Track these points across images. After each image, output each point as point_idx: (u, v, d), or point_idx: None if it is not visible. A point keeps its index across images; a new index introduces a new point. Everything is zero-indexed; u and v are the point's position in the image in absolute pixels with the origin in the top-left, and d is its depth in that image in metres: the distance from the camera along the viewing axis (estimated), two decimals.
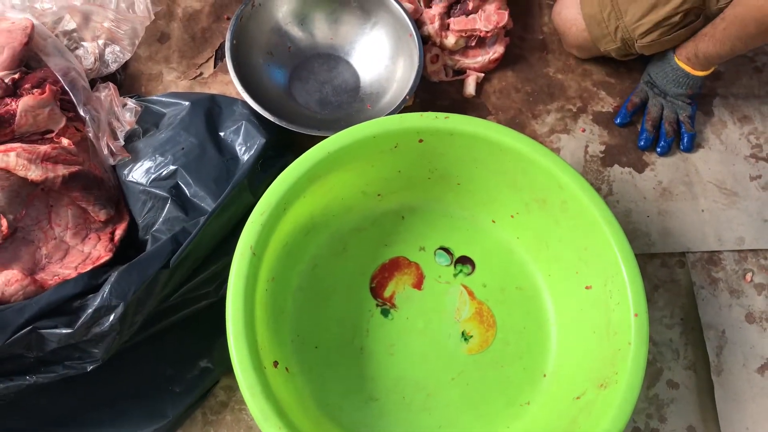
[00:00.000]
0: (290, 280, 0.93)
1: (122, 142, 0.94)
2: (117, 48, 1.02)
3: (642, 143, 1.12)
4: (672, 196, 1.10)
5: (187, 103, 0.96)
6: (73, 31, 1.01)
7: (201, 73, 1.10)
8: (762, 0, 0.90)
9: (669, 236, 1.06)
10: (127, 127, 0.97)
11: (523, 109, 1.15)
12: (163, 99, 0.99)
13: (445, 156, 0.94)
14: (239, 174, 0.90)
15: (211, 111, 0.97)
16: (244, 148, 0.94)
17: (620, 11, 1.04)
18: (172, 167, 0.91)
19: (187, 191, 0.90)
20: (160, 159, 0.91)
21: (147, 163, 0.91)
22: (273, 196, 0.82)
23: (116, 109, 0.97)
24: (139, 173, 0.92)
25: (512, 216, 0.98)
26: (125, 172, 0.92)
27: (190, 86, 1.09)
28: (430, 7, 1.15)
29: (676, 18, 1.01)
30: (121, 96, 0.98)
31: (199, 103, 0.97)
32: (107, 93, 0.97)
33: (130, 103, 0.98)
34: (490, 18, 1.12)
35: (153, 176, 0.91)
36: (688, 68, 1.08)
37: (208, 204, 0.89)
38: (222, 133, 0.96)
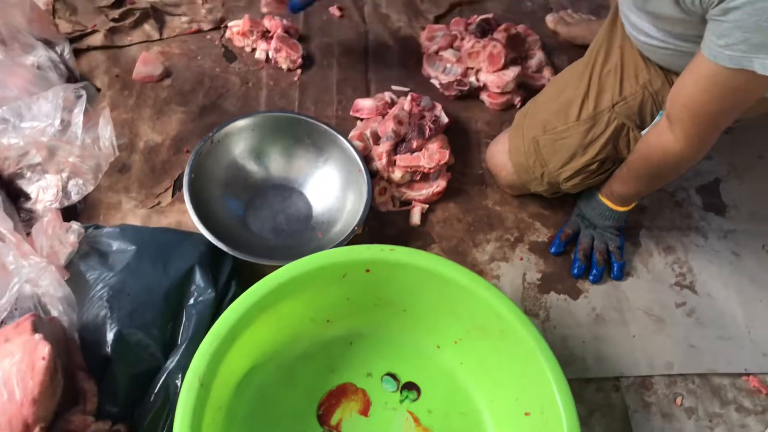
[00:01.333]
0: (238, 409, 0.94)
1: (62, 263, 0.97)
2: (80, 181, 1.07)
3: (575, 272, 1.20)
4: (605, 322, 1.16)
5: (133, 247, 0.98)
6: (38, 164, 1.06)
7: (159, 203, 1.15)
8: (646, 152, 1.03)
9: (603, 361, 1.12)
10: (69, 249, 0.99)
11: (464, 238, 1.22)
12: (115, 235, 1.01)
13: (391, 284, 0.99)
14: (190, 331, 0.93)
15: (159, 254, 0.99)
16: (192, 300, 0.97)
17: (544, 160, 1.15)
18: (116, 315, 0.92)
19: (129, 340, 0.92)
20: (104, 311, 0.92)
21: (92, 311, 0.93)
22: (222, 327, 0.85)
23: (59, 232, 1.00)
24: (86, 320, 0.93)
25: (456, 342, 1.02)
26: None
27: (147, 215, 1.13)
28: (378, 144, 1.24)
29: (594, 166, 1.12)
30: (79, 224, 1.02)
31: (149, 245, 0.99)
32: (50, 218, 1.01)
33: (75, 225, 1.01)
34: (433, 156, 1.22)
35: (98, 324, 0.92)
36: (610, 204, 1.18)
37: (154, 352, 0.91)
38: (170, 281, 0.97)
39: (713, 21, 0.81)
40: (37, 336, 0.78)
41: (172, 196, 1.17)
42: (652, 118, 1.09)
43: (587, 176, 1.14)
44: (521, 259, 1.22)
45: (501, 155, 1.23)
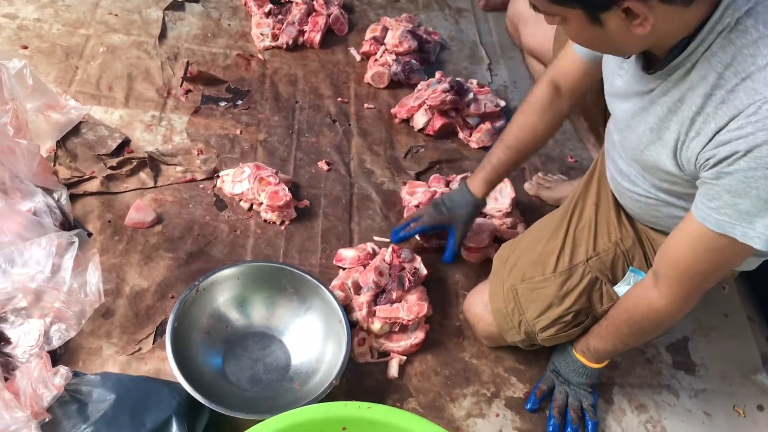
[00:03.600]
0: None
1: (46, 405, 0.96)
2: (63, 326, 1.08)
3: (550, 429, 1.21)
4: None
5: (112, 396, 0.99)
6: (23, 309, 1.08)
7: (140, 349, 1.16)
8: (630, 307, 1.07)
9: None
10: (55, 392, 0.99)
11: (441, 393, 1.23)
12: (95, 382, 1.02)
13: None
14: None
15: (138, 404, 0.99)
16: None
17: (522, 308, 1.19)
18: None
19: None
20: None
21: None
22: None
23: (45, 375, 1.01)
24: None
25: None
26: None
27: (127, 362, 1.14)
28: (359, 294, 1.28)
29: (569, 317, 1.16)
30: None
31: (128, 393, 1.00)
32: (37, 362, 1.01)
33: (62, 370, 1.02)
34: (412, 308, 1.25)
35: None
36: (584, 360, 1.21)
37: None
38: (145, 431, 0.97)
39: (705, 184, 0.86)
40: None
41: (153, 343, 1.18)
42: (623, 274, 1.15)
43: (562, 327, 1.18)
44: (497, 415, 1.22)
45: (479, 306, 1.27)
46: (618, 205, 1.17)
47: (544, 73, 1.22)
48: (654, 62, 0.89)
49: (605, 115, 1.35)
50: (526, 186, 1.63)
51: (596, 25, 0.79)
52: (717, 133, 0.81)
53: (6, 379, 1.02)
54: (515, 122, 1.27)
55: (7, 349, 1.07)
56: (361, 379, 1.22)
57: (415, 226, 1.37)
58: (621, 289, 1.13)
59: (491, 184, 1.33)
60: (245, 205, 1.43)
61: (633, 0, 0.74)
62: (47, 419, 0.96)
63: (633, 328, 1.08)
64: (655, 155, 0.93)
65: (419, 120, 1.70)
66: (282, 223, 1.42)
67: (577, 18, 0.79)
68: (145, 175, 1.42)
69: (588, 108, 1.47)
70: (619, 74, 0.98)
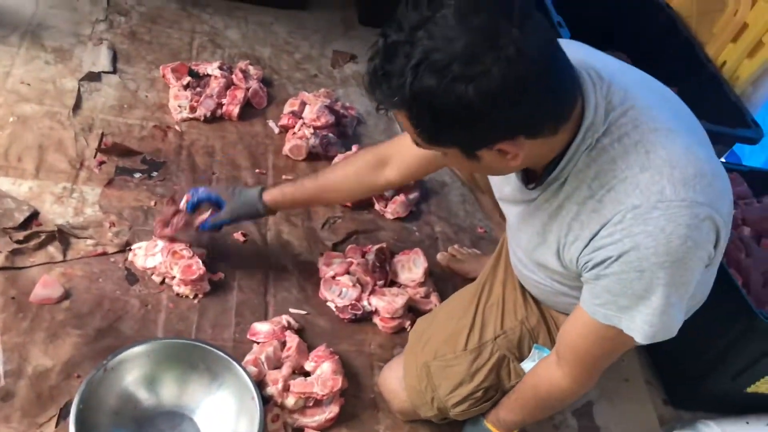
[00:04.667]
0: None
1: None
2: None
3: None
4: None
5: None
6: None
7: None
8: (536, 384, 1.12)
9: None
10: None
11: None
12: None
13: None
14: None
15: None
16: None
17: (434, 384, 1.22)
18: None
19: None
20: None
21: None
22: None
23: None
24: None
25: None
26: None
27: None
28: (273, 369, 1.28)
29: (479, 393, 1.20)
30: None
31: None
32: None
33: None
34: (326, 382, 1.26)
35: None
36: (495, 431, 1.24)
37: None
38: None
39: (588, 283, 0.94)
40: None
41: (56, 426, 1.13)
42: (529, 351, 1.20)
43: (473, 403, 1.21)
44: None
45: (394, 381, 1.29)
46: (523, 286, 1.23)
47: (375, 147, 1.31)
48: (532, 177, 0.98)
49: None
50: (439, 257, 1.69)
51: (473, 160, 0.86)
52: (591, 239, 0.90)
53: None
54: (334, 170, 1.36)
55: None
56: None
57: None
58: (527, 365, 1.19)
59: (280, 205, 1.39)
60: (157, 279, 1.41)
61: (503, 142, 0.81)
62: None
63: (539, 402, 1.14)
64: (542, 256, 1.02)
65: None
66: (195, 296, 1.41)
67: (455, 154, 0.86)
68: (53, 249, 1.39)
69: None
70: (506, 182, 1.06)
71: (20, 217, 1.41)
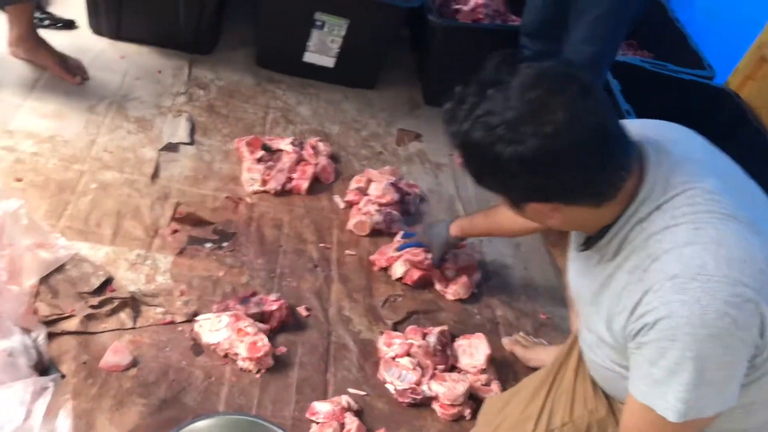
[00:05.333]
0: None
1: None
2: None
3: None
4: None
5: None
6: None
7: None
8: None
9: None
10: None
11: None
12: None
13: None
14: None
15: None
16: None
17: None
18: None
19: None
20: None
21: None
22: None
23: None
24: None
25: None
26: None
27: None
28: None
29: None
30: None
31: None
32: None
33: None
34: None
35: None
36: None
37: None
38: None
39: (632, 354, 0.93)
40: None
41: None
42: None
43: None
44: None
45: None
46: None
47: None
48: (589, 241, 1.02)
49: None
50: (504, 341, 1.67)
51: (518, 209, 0.95)
52: (635, 307, 0.91)
53: None
54: (494, 214, 1.51)
55: None
56: None
57: (408, 240, 1.77)
58: None
59: (466, 233, 1.65)
60: (221, 352, 1.43)
61: (538, 203, 0.91)
62: None
63: None
64: (595, 325, 1.03)
65: (397, 270, 1.75)
66: (258, 371, 1.42)
67: (504, 201, 0.96)
68: (125, 316, 1.42)
69: None
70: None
71: (96, 282, 1.46)
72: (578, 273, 1.10)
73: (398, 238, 1.81)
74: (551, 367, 1.28)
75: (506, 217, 1.41)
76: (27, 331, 1.24)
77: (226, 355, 1.42)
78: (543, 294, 1.85)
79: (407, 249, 1.75)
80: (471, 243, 1.91)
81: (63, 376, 1.27)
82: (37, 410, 1.09)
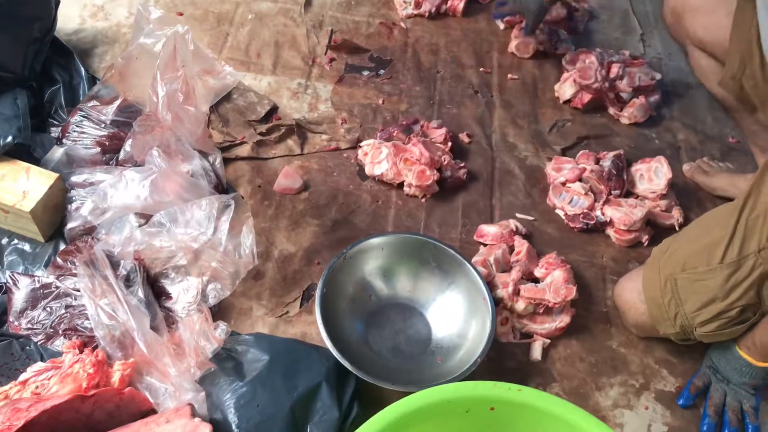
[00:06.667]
0: None
1: (210, 356, 1.01)
2: (218, 285, 1.12)
3: (704, 429, 1.13)
4: None
5: (266, 357, 1.03)
6: (183, 266, 1.13)
7: (287, 312, 1.19)
8: None
9: None
10: (216, 345, 1.04)
11: (587, 380, 1.18)
12: (250, 342, 1.06)
13: (515, 426, 0.96)
14: None
15: (290, 367, 1.02)
16: (317, 417, 0.99)
17: (680, 299, 1.11)
18: (243, 426, 0.95)
19: None
20: (233, 418, 0.96)
21: (221, 416, 0.96)
22: None
23: (207, 329, 1.06)
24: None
25: None
26: None
27: (275, 324, 1.17)
28: (502, 272, 1.25)
29: (733, 312, 1.07)
30: None
31: (281, 355, 1.03)
32: (199, 317, 1.07)
33: (222, 325, 1.07)
34: (559, 291, 1.20)
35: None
36: (750, 359, 1.11)
37: None
38: (298, 395, 1.00)
39: None
40: (197, 419, 0.82)
41: (300, 307, 1.20)
42: None
43: (724, 323, 1.09)
44: (646, 408, 1.16)
45: (631, 293, 1.20)
46: None
47: None
48: None
49: None
50: (685, 168, 1.52)
51: None
52: None
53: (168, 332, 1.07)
54: None
55: (168, 304, 1.13)
56: (502, 359, 1.19)
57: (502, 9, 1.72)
58: None
59: None
60: (388, 181, 1.41)
61: None
62: (212, 368, 1.00)
63: None
64: None
65: (566, 92, 1.61)
66: (423, 196, 1.41)
67: None
68: (292, 143, 1.44)
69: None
70: None
71: (262, 111, 1.48)
72: None
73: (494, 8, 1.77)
74: (741, 195, 1.13)
75: None
76: (204, 154, 1.29)
77: (392, 183, 1.41)
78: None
79: (503, 17, 1.75)
80: (650, 60, 1.72)
81: (242, 198, 1.32)
82: (222, 226, 1.14)
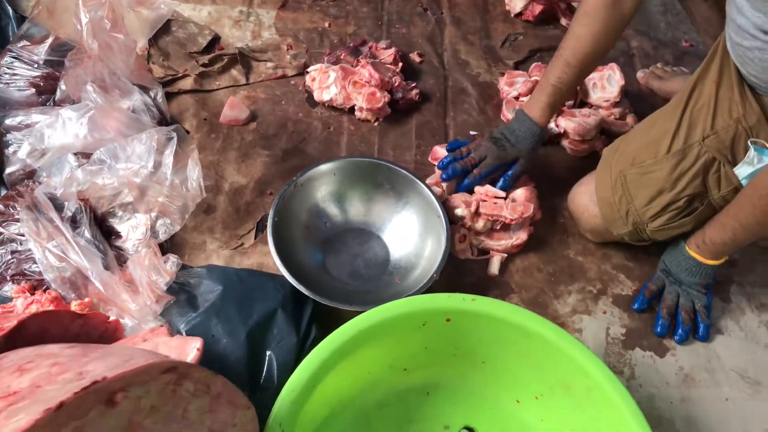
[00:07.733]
0: None
1: (164, 289, 1.00)
2: (168, 221, 1.10)
3: (658, 330, 1.15)
4: (695, 382, 1.11)
5: (219, 287, 1.01)
6: (129, 203, 1.10)
7: (242, 244, 1.18)
8: (760, 188, 0.96)
9: (693, 425, 1.06)
10: (168, 278, 1.03)
11: (545, 289, 1.19)
12: (202, 274, 1.04)
13: (471, 335, 0.97)
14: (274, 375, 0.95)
15: (244, 296, 1.01)
16: (275, 343, 0.98)
17: (630, 195, 1.11)
18: None
19: None
20: None
21: None
22: (304, 373, 0.85)
23: (157, 262, 1.04)
24: None
25: (537, 398, 0.99)
26: None
27: (231, 256, 1.15)
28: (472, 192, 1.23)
29: (681, 203, 1.08)
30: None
31: (234, 285, 1.02)
32: (147, 251, 1.05)
33: (172, 258, 1.06)
34: (516, 208, 1.20)
35: None
36: (698, 257, 1.12)
37: None
38: (253, 322, 0.98)
39: None
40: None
41: (255, 238, 1.19)
42: (745, 153, 1.04)
43: (674, 215, 1.10)
44: (604, 312, 1.18)
45: (584, 196, 1.20)
46: (742, 81, 1.04)
47: None
48: None
49: None
50: (639, 74, 1.51)
51: None
52: None
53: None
54: (572, 35, 1.12)
55: (118, 243, 1.11)
56: (461, 275, 1.20)
57: (479, 171, 1.22)
58: (741, 170, 1.02)
59: (553, 109, 1.19)
60: (338, 106, 1.38)
61: None
62: (171, 301, 0.99)
63: (759, 215, 0.98)
64: None
65: (517, 4, 1.58)
66: (376, 120, 1.38)
67: None
68: (236, 72, 1.40)
69: None
70: None
71: (203, 42, 1.43)
72: None
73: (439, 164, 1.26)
74: (685, 87, 1.12)
75: (589, 36, 1.08)
76: (144, 89, 1.24)
77: (342, 108, 1.38)
78: (684, 19, 1.62)
79: (483, 165, 1.22)
80: None
81: (187, 132, 1.29)
82: (166, 160, 1.11)
